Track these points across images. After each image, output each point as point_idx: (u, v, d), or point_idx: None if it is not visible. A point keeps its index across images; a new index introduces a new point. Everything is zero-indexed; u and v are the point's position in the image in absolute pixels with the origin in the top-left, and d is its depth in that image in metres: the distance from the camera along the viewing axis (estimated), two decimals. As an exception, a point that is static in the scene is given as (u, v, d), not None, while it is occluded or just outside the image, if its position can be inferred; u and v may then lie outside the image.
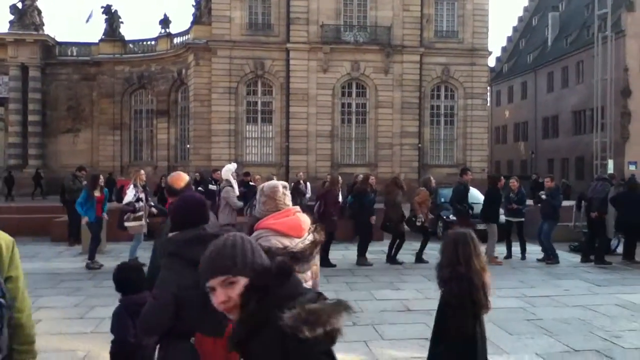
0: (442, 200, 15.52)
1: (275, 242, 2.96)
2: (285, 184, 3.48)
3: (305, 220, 3.20)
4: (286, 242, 3.01)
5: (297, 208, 3.33)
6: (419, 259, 11.41)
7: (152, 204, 10.78)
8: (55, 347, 5.71)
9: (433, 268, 11.95)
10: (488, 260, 11.38)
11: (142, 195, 10.32)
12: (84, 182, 13.90)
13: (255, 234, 3.05)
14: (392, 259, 11.28)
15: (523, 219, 12.36)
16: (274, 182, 3.50)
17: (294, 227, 3.10)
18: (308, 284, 3.12)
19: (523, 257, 12.03)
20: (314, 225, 3.22)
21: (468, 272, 3.23)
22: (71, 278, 9.63)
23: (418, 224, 11.52)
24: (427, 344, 6.09)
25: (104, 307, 7.41)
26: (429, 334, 6.43)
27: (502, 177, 13.36)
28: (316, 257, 3.14)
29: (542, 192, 12.42)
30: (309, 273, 3.17)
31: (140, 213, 10.17)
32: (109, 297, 8.00)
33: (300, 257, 2.85)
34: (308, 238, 3.11)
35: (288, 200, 3.31)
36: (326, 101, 32.02)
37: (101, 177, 11.77)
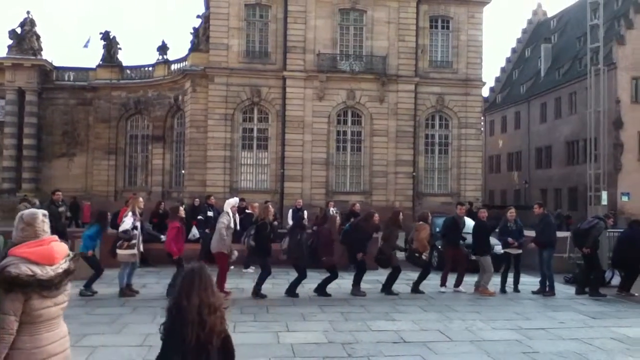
0: (437, 229, 15.50)
1: (25, 269, 3.12)
2: (46, 212, 3.59)
3: (60, 249, 3.37)
4: (36, 269, 3.16)
5: (55, 237, 3.47)
6: (416, 289, 11.38)
7: (149, 230, 10.73)
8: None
9: (429, 299, 11.82)
10: (479, 292, 11.46)
11: (139, 224, 10.22)
12: (61, 208, 13.84)
13: (5, 260, 3.18)
14: (387, 289, 11.23)
15: (521, 251, 12.21)
16: (34, 210, 3.62)
17: (46, 256, 3.26)
18: (62, 307, 3.38)
19: (516, 290, 11.96)
20: (72, 254, 3.43)
21: (187, 306, 3.19)
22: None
23: (424, 257, 11.51)
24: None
25: (97, 335, 7.34)
26: (425, 366, 6.41)
27: (481, 209, 13.60)
28: (69, 285, 3.35)
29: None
30: (61, 297, 3.33)
31: (134, 242, 10.04)
32: (103, 325, 7.94)
33: (47, 285, 3.17)
34: (62, 266, 3.30)
35: (47, 227, 3.48)
36: (322, 129, 32.21)
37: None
